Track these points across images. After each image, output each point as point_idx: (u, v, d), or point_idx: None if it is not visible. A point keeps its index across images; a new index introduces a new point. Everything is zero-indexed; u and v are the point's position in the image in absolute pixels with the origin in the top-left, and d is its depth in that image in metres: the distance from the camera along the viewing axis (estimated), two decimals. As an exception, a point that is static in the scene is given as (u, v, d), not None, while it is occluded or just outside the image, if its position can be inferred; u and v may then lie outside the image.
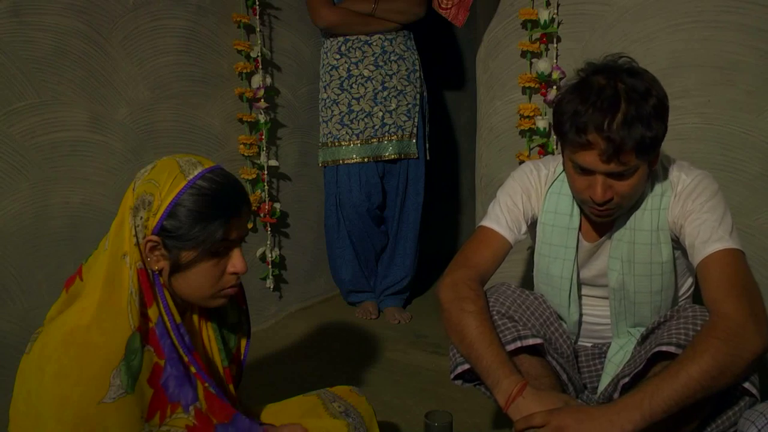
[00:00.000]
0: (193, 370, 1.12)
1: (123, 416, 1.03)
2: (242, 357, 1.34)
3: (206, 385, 1.13)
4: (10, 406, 1.07)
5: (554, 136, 2.04)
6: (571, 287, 1.49)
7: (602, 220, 1.41)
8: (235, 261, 1.15)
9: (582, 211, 1.46)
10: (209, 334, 1.26)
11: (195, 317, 1.23)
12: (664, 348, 1.26)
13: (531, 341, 1.38)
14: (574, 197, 1.44)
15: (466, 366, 1.40)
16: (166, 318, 1.09)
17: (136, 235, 1.07)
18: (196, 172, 1.10)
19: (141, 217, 1.08)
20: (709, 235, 1.30)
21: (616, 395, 1.33)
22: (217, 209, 1.10)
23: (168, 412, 1.10)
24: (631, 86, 1.26)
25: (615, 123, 1.23)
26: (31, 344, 1.07)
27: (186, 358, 1.11)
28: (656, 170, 1.41)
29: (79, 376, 0.99)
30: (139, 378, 1.05)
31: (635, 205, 1.41)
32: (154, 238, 1.08)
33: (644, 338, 1.41)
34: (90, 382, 1.00)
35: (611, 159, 1.26)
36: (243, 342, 1.34)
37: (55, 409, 0.99)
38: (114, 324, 1.03)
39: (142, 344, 1.06)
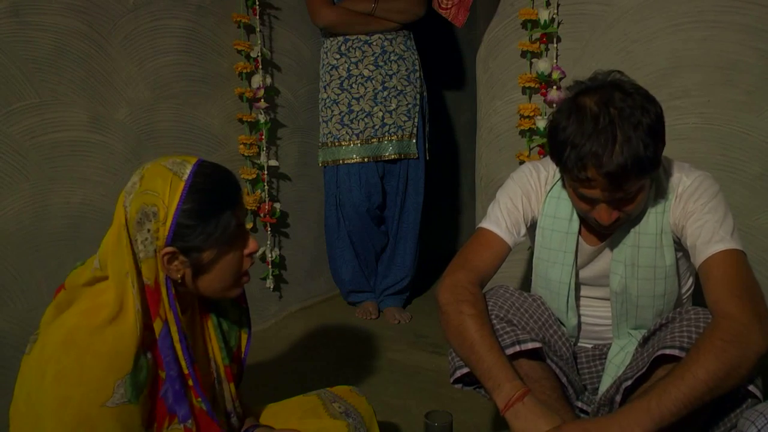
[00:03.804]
0: (190, 383, 1.11)
1: (123, 422, 1.02)
2: (243, 356, 1.34)
3: (198, 400, 1.13)
4: (10, 406, 1.07)
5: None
6: (569, 292, 1.49)
7: (607, 232, 1.42)
8: (249, 242, 1.16)
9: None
10: (210, 333, 1.25)
11: (196, 317, 1.23)
12: (667, 351, 1.26)
13: (530, 345, 1.37)
14: (576, 211, 1.44)
15: (466, 369, 1.40)
16: (175, 332, 1.08)
17: (134, 252, 1.05)
18: (188, 171, 1.08)
19: (149, 230, 1.04)
20: (711, 236, 1.30)
21: (618, 397, 1.33)
22: (223, 200, 1.09)
23: (166, 423, 1.10)
24: (624, 110, 1.23)
25: (614, 156, 1.21)
26: (30, 345, 1.07)
27: (187, 371, 1.10)
28: (659, 173, 1.40)
29: (80, 377, 0.99)
30: (144, 391, 1.05)
31: None
32: (170, 249, 1.06)
33: (645, 340, 1.40)
34: (92, 384, 0.99)
35: (615, 192, 1.26)
36: (244, 340, 1.33)
37: (55, 409, 0.99)
38: (123, 343, 1.02)
39: (146, 357, 1.05)
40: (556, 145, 1.30)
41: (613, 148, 1.21)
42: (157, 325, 1.07)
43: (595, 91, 1.28)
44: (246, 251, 1.16)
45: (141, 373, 1.04)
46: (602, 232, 1.43)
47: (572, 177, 1.29)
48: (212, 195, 1.08)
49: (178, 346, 1.09)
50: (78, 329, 1.02)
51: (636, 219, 1.41)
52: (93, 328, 1.02)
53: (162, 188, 1.06)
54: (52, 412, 0.99)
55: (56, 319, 1.06)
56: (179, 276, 1.09)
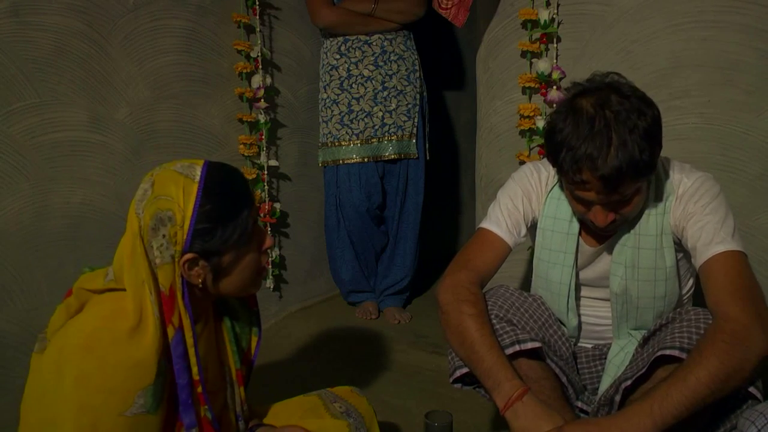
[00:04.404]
0: (199, 389, 1.11)
1: (137, 431, 1.02)
2: (252, 357, 1.34)
3: (205, 407, 1.12)
4: (21, 404, 1.06)
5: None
6: (569, 293, 1.49)
7: (605, 234, 1.42)
8: (264, 238, 1.16)
9: None
10: (224, 336, 1.25)
11: (211, 322, 1.22)
12: (667, 352, 1.26)
13: (530, 345, 1.37)
14: (573, 213, 1.44)
15: (465, 369, 1.40)
16: (189, 337, 1.08)
17: (149, 259, 1.04)
18: (199, 173, 1.07)
19: (164, 235, 1.03)
20: (712, 238, 1.30)
21: (617, 398, 1.33)
22: (239, 200, 1.09)
23: (175, 430, 1.10)
24: (620, 113, 1.23)
25: (609, 159, 1.21)
26: (40, 344, 1.06)
27: (197, 377, 1.10)
28: (659, 174, 1.40)
29: (101, 384, 0.98)
30: (163, 400, 1.05)
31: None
32: (190, 255, 1.05)
33: (645, 341, 1.40)
34: (113, 392, 0.99)
35: (610, 194, 1.26)
36: (254, 342, 1.33)
37: (74, 414, 0.98)
38: (144, 355, 1.02)
39: (164, 365, 1.05)
40: (552, 147, 1.30)
41: (608, 151, 1.21)
42: (170, 332, 1.06)
43: (592, 93, 1.28)
44: (263, 247, 1.16)
45: (161, 382, 1.03)
46: (601, 234, 1.43)
47: (568, 179, 1.29)
48: (228, 195, 1.08)
49: (191, 351, 1.08)
50: (98, 333, 1.01)
51: (636, 220, 1.41)
52: (114, 336, 1.00)
53: (176, 192, 1.04)
54: (70, 417, 0.98)
55: (73, 321, 1.05)
56: (200, 281, 1.08)
